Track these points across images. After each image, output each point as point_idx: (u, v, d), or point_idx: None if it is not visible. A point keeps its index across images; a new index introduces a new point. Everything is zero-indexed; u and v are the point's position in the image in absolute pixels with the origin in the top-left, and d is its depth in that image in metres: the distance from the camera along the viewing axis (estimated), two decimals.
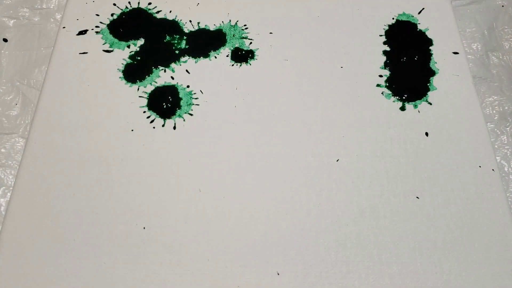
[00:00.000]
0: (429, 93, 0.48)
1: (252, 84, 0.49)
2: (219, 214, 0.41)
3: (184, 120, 0.46)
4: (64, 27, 0.52)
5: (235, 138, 0.45)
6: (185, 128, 0.46)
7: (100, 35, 0.51)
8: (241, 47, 0.51)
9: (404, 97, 0.48)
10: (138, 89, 0.48)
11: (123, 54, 0.50)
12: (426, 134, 0.46)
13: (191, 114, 0.47)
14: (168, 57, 0.50)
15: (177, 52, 0.51)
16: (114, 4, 0.54)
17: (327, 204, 0.42)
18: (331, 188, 0.43)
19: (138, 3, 0.54)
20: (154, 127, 0.46)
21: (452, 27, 0.52)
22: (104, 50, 0.51)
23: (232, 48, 0.51)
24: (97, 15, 0.53)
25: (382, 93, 0.48)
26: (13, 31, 0.55)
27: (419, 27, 0.53)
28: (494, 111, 0.50)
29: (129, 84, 0.49)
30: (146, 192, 0.42)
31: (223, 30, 0.52)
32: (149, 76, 0.49)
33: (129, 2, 0.54)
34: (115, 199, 0.42)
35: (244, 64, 0.50)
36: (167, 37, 0.52)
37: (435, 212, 0.41)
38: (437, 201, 0.42)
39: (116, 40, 0.51)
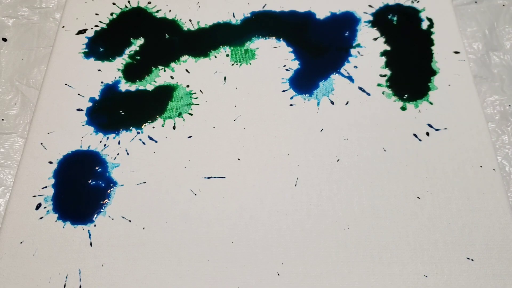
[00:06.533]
0: (429, 92, 0.48)
1: (252, 84, 0.48)
2: (219, 214, 0.41)
3: (184, 120, 0.46)
4: (63, 27, 0.52)
5: (235, 138, 0.45)
6: (185, 128, 0.46)
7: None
8: (241, 47, 0.51)
9: (404, 97, 0.48)
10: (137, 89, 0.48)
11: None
12: (427, 134, 0.45)
13: (191, 114, 0.47)
14: (168, 57, 0.50)
15: (176, 51, 0.51)
16: (114, 4, 0.54)
17: (327, 205, 0.42)
18: (332, 188, 0.42)
19: (138, 2, 0.54)
20: (153, 127, 0.46)
21: (453, 26, 0.52)
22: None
23: (232, 48, 0.51)
24: (97, 14, 0.53)
25: (383, 92, 0.48)
26: (12, 30, 0.55)
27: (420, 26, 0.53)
28: (495, 111, 0.50)
29: (129, 83, 0.48)
30: (146, 192, 0.42)
31: (223, 30, 0.52)
32: (148, 75, 0.49)
33: (128, 2, 0.54)
34: (114, 198, 0.42)
35: (244, 64, 0.50)
36: (167, 37, 0.52)
37: (436, 212, 0.41)
38: (438, 201, 0.42)
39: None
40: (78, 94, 0.48)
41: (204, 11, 0.54)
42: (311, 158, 0.44)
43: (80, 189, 0.42)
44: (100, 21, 0.53)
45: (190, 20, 0.53)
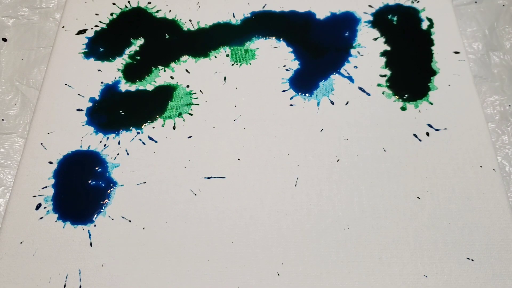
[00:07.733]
0: (430, 92, 0.48)
1: (252, 84, 0.48)
2: (219, 214, 0.41)
3: (184, 120, 0.46)
4: (63, 27, 0.52)
5: (235, 138, 0.45)
6: (185, 128, 0.46)
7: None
8: (241, 47, 0.51)
9: (404, 97, 0.48)
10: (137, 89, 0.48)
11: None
12: (427, 134, 0.45)
13: (191, 114, 0.47)
14: (168, 57, 0.50)
15: (176, 51, 0.51)
16: (114, 4, 0.54)
17: (327, 205, 0.42)
18: (332, 188, 0.42)
19: (138, 2, 0.54)
20: (153, 127, 0.46)
21: (453, 26, 0.52)
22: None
23: (232, 48, 0.51)
24: (97, 14, 0.53)
25: (383, 92, 0.48)
26: (12, 30, 0.55)
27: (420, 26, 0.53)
28: (495, 111, 0.50)
29: (129, 83, 0.48)
30: (146, 192, 0.42)
31: (223, 30, 0.52)
32: (148, 75, 0.49)
33: (128, 2, 0.54)
34: (114, 198, 0.42)
35: (244, 64, 0.50)
36: (167, 37, 0.52)
37: (436, 212, 0.41)
38: (438, 201, 0.42)
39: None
40: (78, 94, 0.48)
41: (204, 11, 0.54)
42: (311, 158, 0.44)
43: (80, 189, 0.42)
44: (100, 21, 0.53)
45: (190, 20, 0.53)
